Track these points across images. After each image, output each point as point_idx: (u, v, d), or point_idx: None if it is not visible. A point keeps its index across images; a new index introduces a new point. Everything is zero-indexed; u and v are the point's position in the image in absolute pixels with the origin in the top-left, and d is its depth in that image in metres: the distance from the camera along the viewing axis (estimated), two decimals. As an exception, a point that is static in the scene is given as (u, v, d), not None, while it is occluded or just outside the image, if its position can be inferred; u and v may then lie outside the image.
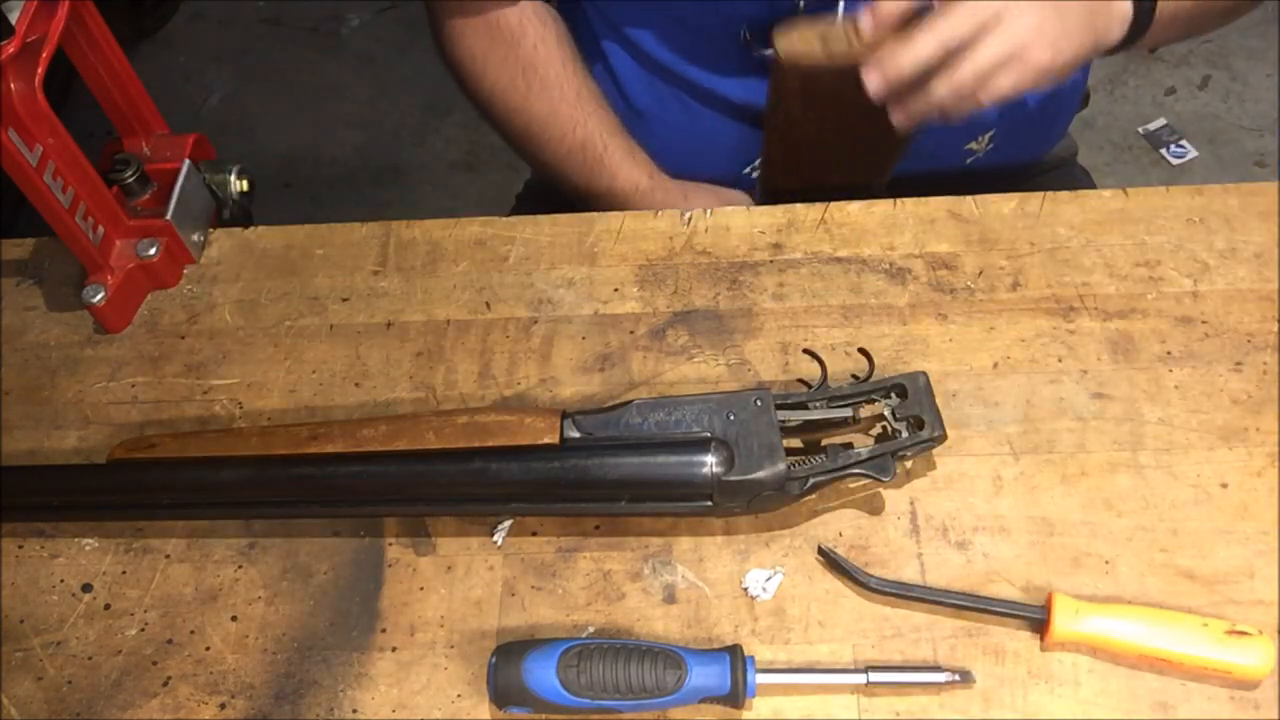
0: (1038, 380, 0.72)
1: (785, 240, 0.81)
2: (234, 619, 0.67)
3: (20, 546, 0.71)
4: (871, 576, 0.64)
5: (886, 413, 0.68)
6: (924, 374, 0.68)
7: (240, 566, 0.69)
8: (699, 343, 0.76)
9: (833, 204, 0.83)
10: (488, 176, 2.12)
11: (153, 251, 0.80)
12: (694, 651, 0.60)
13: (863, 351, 0.71)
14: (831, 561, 0.65)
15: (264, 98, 2.29)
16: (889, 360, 0.74)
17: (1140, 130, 2.09)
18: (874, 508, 0.68)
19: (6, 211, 1.40)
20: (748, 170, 0.98)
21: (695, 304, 0.78)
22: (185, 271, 0.83)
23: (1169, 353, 0.73)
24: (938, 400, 0.67)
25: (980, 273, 0.78)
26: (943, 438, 0.66)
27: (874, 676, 0.60)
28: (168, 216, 0.80)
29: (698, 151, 0.97)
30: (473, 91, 0.95)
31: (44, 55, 0.70)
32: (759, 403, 0.65)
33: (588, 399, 0.74)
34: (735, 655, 0.60)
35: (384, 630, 0.66)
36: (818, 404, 0.68)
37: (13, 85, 0.68)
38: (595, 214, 0.84)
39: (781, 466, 0.63)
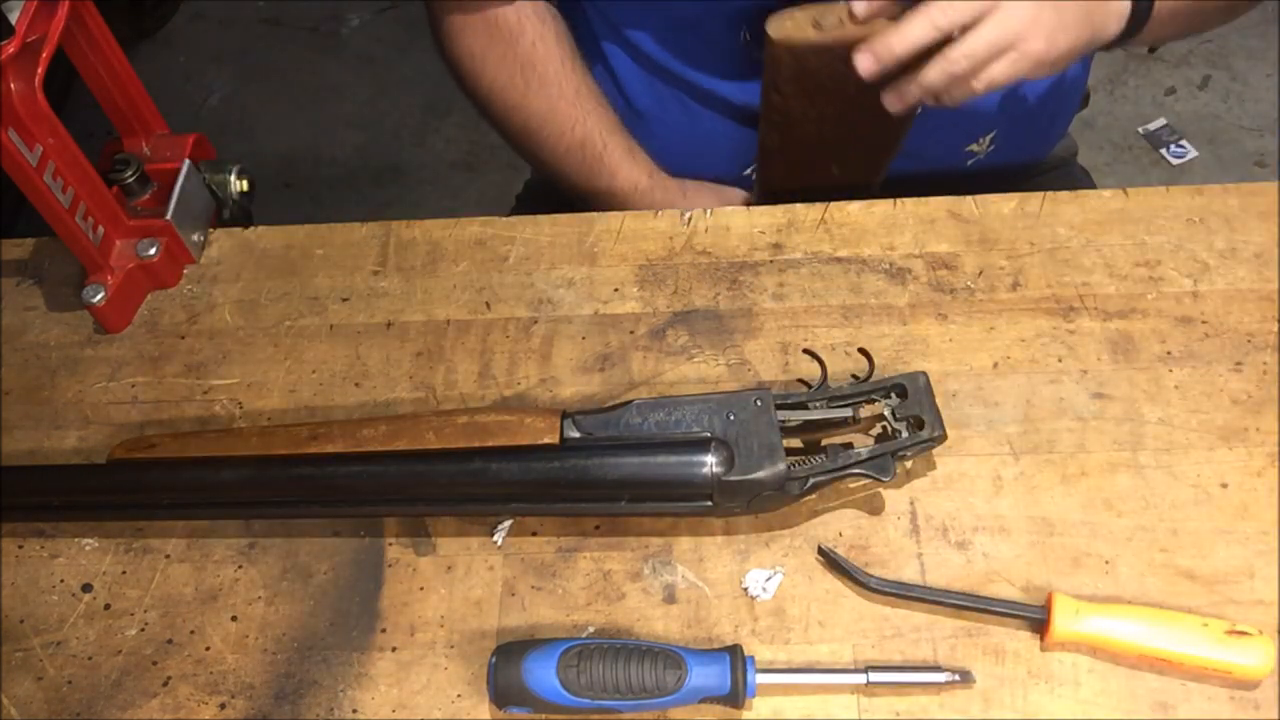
0: (1038, 380, 0.72)
1: (785, 240, 0.81)
2: (234, 619, 0.67)
3: (20, 546, 0.71)
4: (871, 576, 0.64)
5: (886, 413, 0.68)
6: (924, 374, 0.68)
7: (240, 566, 0.69)
8: (699, 343, 0.76)
9: (833, 204, 0.83)
10: (488, 176, 2.12)
11: (153, 251, 0.80)
12: (694, 651, 0.60)
13: (863, 351, 0.71)
14: (831, 561, 0.65)
15: (264, 98, 2.29)
16: (889, 360, 0.74)
17: (1140, 130, 2.09)
18: (874, 508, 0.68)
19: (6, 211, 1.40)
20: (747, 172, 0.98)
21: (695, 304, 0.78)
22: (185, 271, 0.83)
23: (1169, 353, 0.73)
24: (938, 400, 0.67)
25: (980, 273, 0.78)
26: (943, 438, 0.66)
27: (874, 676, 0.60)
28: (168, 216, 0.80)
29: (697, 153, 0.97)
30: (471, 89, 0.95)
31: (44, 55, 0.70)
32: (759, 403, 0.65)
33: (588, 399, 0.74)
34: (735, 655, 0.60)
35: (384, 630, 0.66)
36: (818, 404, 0.68)
37: (13, 85, 0.68)
38: (595, 214, 0.84)
39: (781, 466, 0.63)
